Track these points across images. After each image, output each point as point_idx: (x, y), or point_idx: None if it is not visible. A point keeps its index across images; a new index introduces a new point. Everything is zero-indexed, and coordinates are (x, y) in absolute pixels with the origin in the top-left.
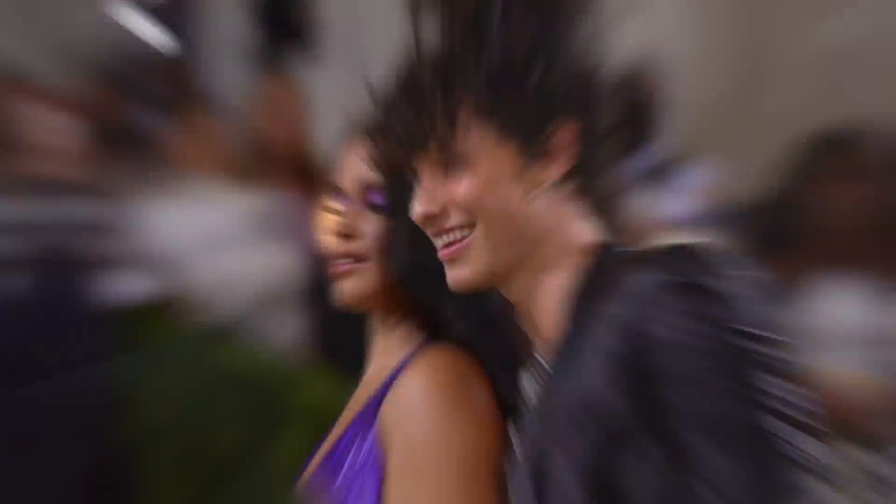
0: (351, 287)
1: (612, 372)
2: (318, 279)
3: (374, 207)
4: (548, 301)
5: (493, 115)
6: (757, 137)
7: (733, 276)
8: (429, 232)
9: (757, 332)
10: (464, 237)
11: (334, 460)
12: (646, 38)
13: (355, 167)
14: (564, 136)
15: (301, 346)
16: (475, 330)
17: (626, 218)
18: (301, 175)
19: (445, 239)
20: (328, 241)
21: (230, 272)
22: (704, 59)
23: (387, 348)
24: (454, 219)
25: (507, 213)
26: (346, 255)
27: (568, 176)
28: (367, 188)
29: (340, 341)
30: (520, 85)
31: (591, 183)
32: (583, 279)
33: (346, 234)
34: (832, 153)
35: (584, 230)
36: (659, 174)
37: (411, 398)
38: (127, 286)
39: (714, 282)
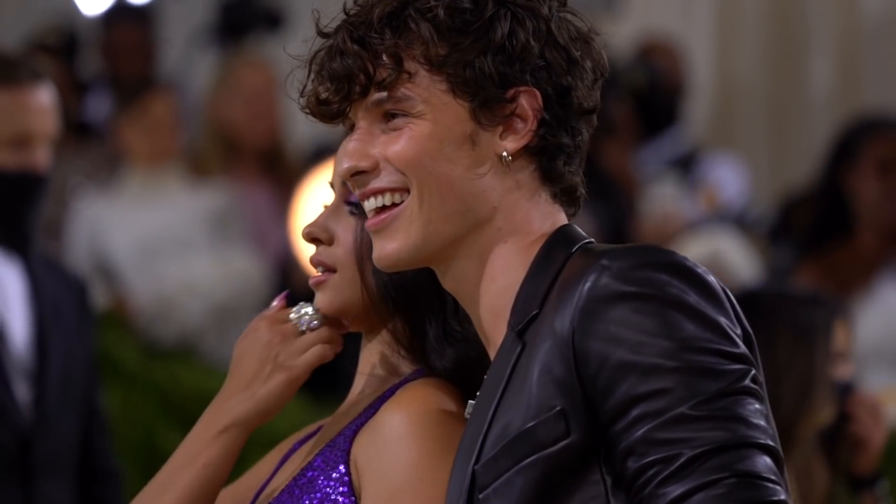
0: (323, 301)
1: (550, 397)
2: (286, 287)
3: (353, 209)
4: (492, 299)
5: (445, 67)
6: (793, 121)
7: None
8: (357, 193)
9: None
10: (395, 204)
11: (302, 484)
12: (665, 17)
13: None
14: (526, 105)
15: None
16: (463, 358)
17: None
18: (270, 168)
19: (374, 203)
20: (303, 246)
21: (184, 281)
22: (731, 39)
23: (370, 370)
24: (385, 179)
25: (448, 182)
26: (318, 264)
27: (528, 151)
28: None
29: None
30: (480, 37)
31: (555, 164)
32: (527, 278)
33: (315, 239)
34: (872, 139)
35: (544, 219)
36: (682, 166)
37: (390, 435)
38: None
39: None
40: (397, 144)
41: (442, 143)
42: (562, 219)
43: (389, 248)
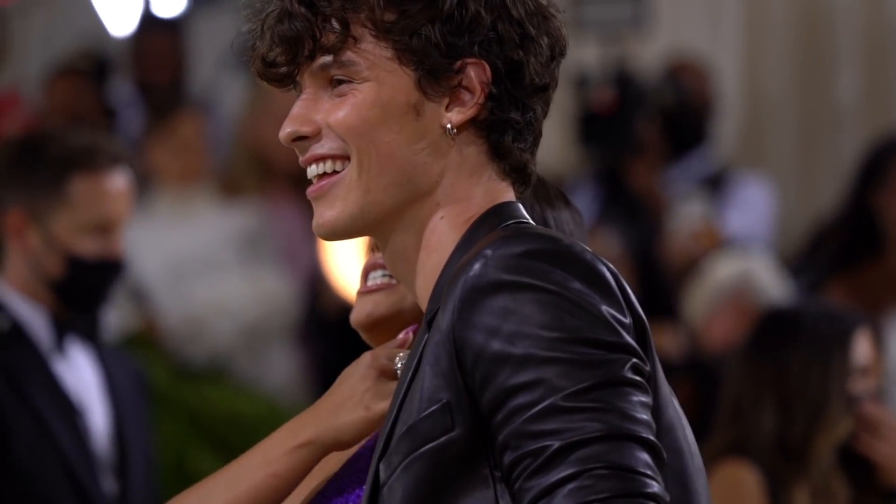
0: (367, 306)
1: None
2: (316, 308)
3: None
4: (426, 277)
5: (392, 34)
6: (822, 139)
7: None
8: (300, 160)
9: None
10: (336, 172)
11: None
12: (693, 36)
13: None
14: (474, 77)
15: (297, 386)
16: None
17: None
18: (302, 188)
19: (316, 170)
20: (357, 252)
21: (214, 302)
22: (759, 57)
23: None
24: (326, 145)
25: (389, 151)
26: (382, 267)
27: (476, 126)
28: None
29: None
30: (429, 5)
31: (503, 139)
32: (449, 259)
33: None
34: None
35: (486, 195)
36: (711, 185)
37: None
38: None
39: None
40: (340, 111)
41: (384, 112)
42: (507, 197)
43: (327, 216)
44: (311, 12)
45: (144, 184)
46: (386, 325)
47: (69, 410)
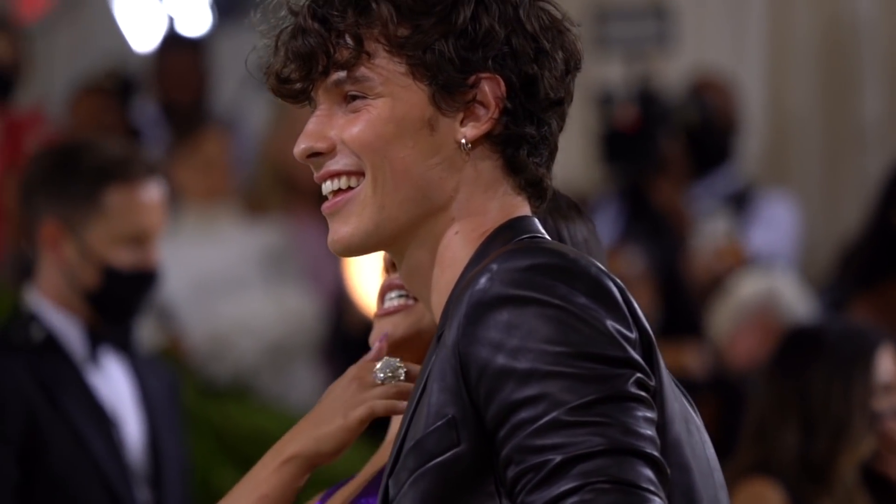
0: (386, 327)
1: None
2: (340, 326)
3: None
4: (440, 293)
5: (405, 49)
6: (847, 156)
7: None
8: (315, 176)
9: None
10: (350, 188)
11: None
12: (717, 53)
13: None
14: (488, 91)
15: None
16: None
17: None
18: None
19: (330, 186)
20: (374, 273)
21: (238, 320)
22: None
23: None
24: (341, 161)
25: (403, 167)
26: (399, 287)
27: (491, 140)
28: None
29: None
30: (442, 19)
31: (518, 154)
32: (462, 273)
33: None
34: None
35: (501, 210)
36: (736, 202)
37: None
38: None
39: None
40: (354, 127)
41: (399, 127)
42: (522, 212)
43: (342, 232)
44: (324, 28)
45: (169, 202)
46: (406, 347)
47: (104, 421)
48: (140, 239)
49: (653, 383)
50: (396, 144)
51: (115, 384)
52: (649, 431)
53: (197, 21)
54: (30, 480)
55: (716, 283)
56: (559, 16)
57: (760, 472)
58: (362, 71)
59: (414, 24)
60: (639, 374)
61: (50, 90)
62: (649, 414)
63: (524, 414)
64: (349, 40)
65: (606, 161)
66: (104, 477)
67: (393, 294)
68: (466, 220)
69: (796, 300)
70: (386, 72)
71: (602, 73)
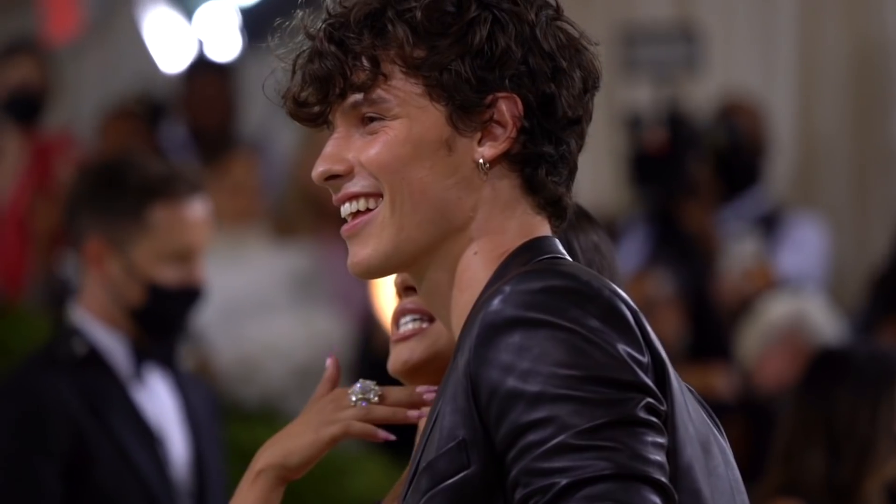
0: (414, 350)
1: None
2: (369, 349)
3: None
4: (459, 314)
5: (422, 70)
6: (876, 179)
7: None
8: (334, 199)
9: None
10: (369, 210)
11: None
12: (746, 75)
13: None
14: (506, 111)
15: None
16: None
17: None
18: None
19: (349, 208)
20: (390, 297)
21: (266, 342)
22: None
23: None
24: (359, 183)
25: (421, 188)
26: (414, 311)
27: (509, 160)
28: None
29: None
30: (458, 40)
31: (536, 173)
32: (481, 295)
33: (410, 287)
34: None
35: (521, 230)
36: (765, 225)
37: None
38: None
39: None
40: (372, 149)
41: (416, 148)
42: (542, 231)
43: (361, 254)
44: (341, 50)
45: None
46: (425, 370)
47: (149, 438)
48: (185, 256)
49: (664, 408)
50: (414, 165)
51: (159, 400)
52: (658, 457)
53: (226, 45)
54: (75, 495)
55: (744, 306)
56: (576, 35)
57: (788, 494)
58: (379, 93)
59: (430, 45)
60: (649, 399)
61: (79, 114)
62: (659, 439)
63: (532, 437)
64: (365, 62)
65: (635, 184)
66: (149, 493)
67: (406, 319)
68: (485, 240)
69: (825, 322)
70: (402, 93)
71: (631, 96)
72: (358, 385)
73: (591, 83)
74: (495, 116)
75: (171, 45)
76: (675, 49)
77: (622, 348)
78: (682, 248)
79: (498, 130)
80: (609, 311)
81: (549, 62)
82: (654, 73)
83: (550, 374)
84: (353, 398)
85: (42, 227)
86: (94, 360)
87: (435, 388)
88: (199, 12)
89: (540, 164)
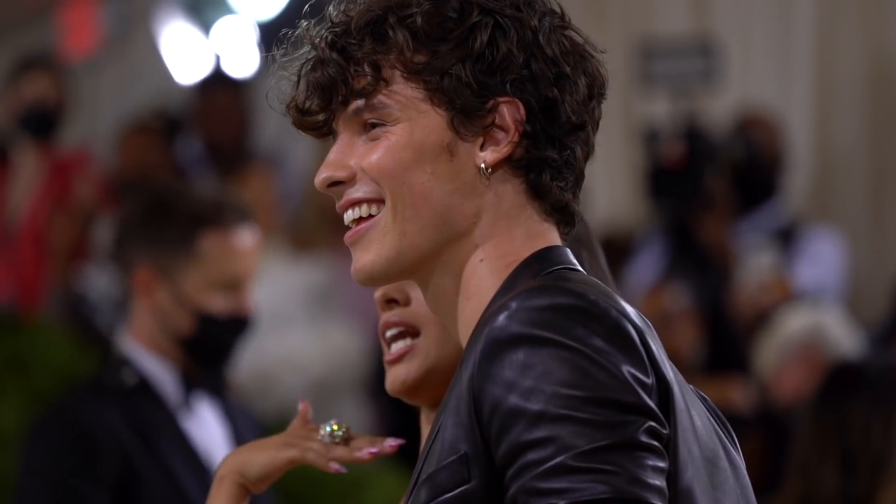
0: (407, 371)
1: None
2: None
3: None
4: (465, 322)
5: (422, 74)
6: (893, 193)
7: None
8: (337, 206)
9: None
10: (371, 216)
11: None
12: (763, 89)
13: None
14: (507, 115)
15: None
16: None
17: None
18: None
19: (352, 215)
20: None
21: (283, 356)
22: (829, 111)
23: None
24: (361, 189)
25: (423, 193)
26: (398, 324)
27: (513, 165)
28: None
29: (413, 433)
30: (459, 45)
31: (541, 178)
32: (488, 306)
33: (391, 300)
34: None
35: (527, 237)
36: (781, 239)
37: None
38: None
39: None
40: (373, 154)
41: (417, 153)
42: (550, 238)
43: (363, 260)
44: (342, 58)
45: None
46: (424, 387)
47: (199, 467)
48: (234, 284)
49: (666, 431)
50: (415, 170)
51: (208, 429)
52: (656, 482)
53: (243, 60)
54: None
55: (761, 318)
56: (581, 41)
57: None
58: (380, 98)
59: (431, 50)
60: (651, 423)
61: (96, 129)
62: (659, 463)
63: (532, 456)
64: (367, 68)
65: (652, 197)
66: None
67: (392, 332)
68: (491, 246)
69: (843, 335)
70: (404, 98)
71: (648, 109)
72: (328, 425)
73: (596, 90)
74: (497, 121)
75: (188, 60)
76: (693, 63)
77: (626, 369)
78: (699, 261)
79: (500, 135)
80: (615, 332)
81: (552, 67)
82: (671, 87)
83: (553, 394)
84: (321, 433)
85: (59, 242)
86: (144, 389)
87: (401, 440)
88: (217, 27)
89: (544, 168)
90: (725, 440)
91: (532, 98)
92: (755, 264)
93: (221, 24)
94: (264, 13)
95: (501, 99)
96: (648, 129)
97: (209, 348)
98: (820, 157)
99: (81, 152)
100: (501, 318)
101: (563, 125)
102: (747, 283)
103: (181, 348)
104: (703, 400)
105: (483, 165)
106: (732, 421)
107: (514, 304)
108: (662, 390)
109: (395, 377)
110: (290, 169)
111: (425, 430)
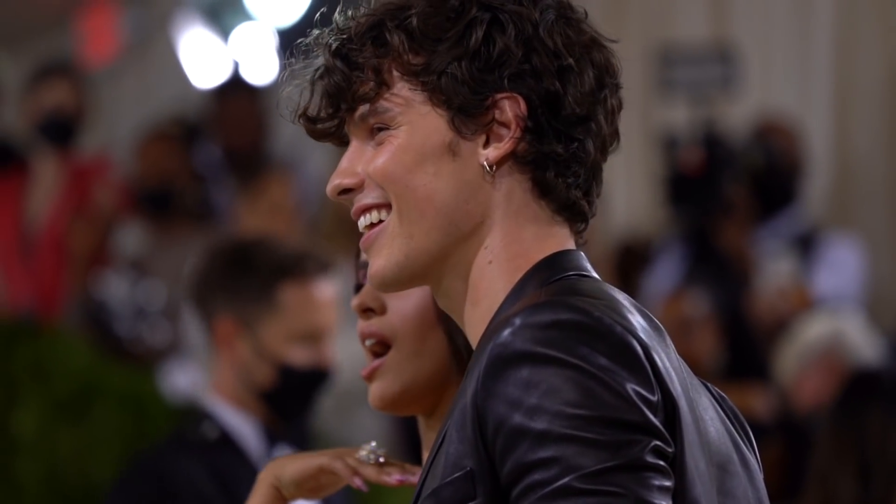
0: (381, 388)
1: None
2: None
3: None
4: (476, 324)
5: (420, 75)
6: None
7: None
8: (351, 213)
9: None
10: (381, 221)
11: None
12: (782, 96)
13: None
14: (509, 111)
15: (386, 448)
16: None
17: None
18: None
19: (365, 221)
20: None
21: None
22: (849, 118)
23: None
24: (370, 195)
25: (427, 195)
26: (371, 335)
27: (518, 161)
28: None
29: None
30: (455, 43)
31: (546, 174)
32: (497, 312)
33: (367, 310)
34: None
35: (538, 238)
36: (801, 245)
37: None
38: (182, 380)
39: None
40: (378, 159)
41: (419, 155)
42: (561, 239)
43: (376, 266)
44: (346, 64)
45: None
46: (404, 400)
47: None
48: (314, 336)
49: (671, 450)
50: (417, 172)
51: None
52: (662, 502)
53: (262, 67)
54: None
55: (781, 325)
56: (588, 30)
57: None
58: (382, 103)
59: (428, 51)
60: (656, 442)
61: (115, 136)
62: (665, 482)
63: (537, 476)
64: (369, 74)
65: (671, 204)
66: None
67: (369, 343)
68: (500, 247)
69: (862, 342)
70: (405, 101)
71: (667, 116)
72: (370, 445)
73: (607, 80)
74: (498, 117)
75: (207, 67)
76: (712, 69)
77: (631, 387)
78: (718, 268)
79: (502, 131)
80: (619, 349)
81: (553, 60)
82: (690, 94)
83: (557, 413)
84: (363, 454)
85: (79, 248)
86: (226, 442)
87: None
88: (236, 33)
89: (549, 164)
90: (741, 442)
91: (533, 92)
92: (774, 271)
93: (240, 31)
94: (283, 20)
95: (500, 95)
96: (667, 135)
97: (290, 401)
98: (839, 163)
99: (101, 159)
100: (505, 333)
101: (568, 117)
102: (766, 289)
103: (262, 401)
104: (720, 400)
105: (486, 163)
106: (752, 428)
107: (518, 321)
108: (668, 406)
109: (373, 394)
110: (308, 175)
111: (424, 436)
